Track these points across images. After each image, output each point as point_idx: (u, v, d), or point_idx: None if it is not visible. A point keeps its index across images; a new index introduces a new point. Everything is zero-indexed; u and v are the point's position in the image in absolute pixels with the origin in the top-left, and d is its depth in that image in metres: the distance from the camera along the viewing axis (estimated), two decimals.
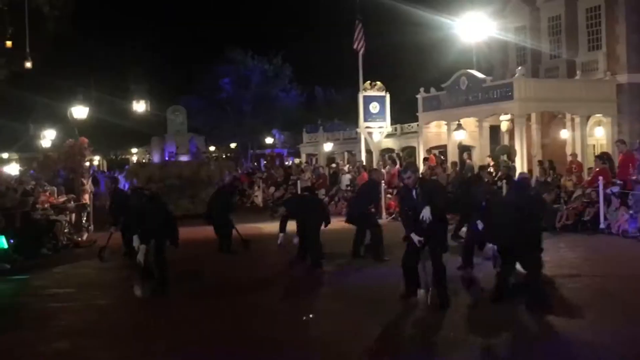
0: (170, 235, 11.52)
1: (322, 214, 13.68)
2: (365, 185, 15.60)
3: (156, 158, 29.08)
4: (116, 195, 15.89)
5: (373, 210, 14.11)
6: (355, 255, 13.63)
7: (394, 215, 22.49)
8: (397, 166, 28.81)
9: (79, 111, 30.02)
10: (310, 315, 8.79)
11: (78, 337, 8.54)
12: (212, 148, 57.32)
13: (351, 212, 14.28)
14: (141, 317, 9.50)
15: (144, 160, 50.51)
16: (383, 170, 27.57)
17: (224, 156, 56.28)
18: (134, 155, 68.58)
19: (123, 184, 28.66)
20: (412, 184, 9.29)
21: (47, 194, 20.02)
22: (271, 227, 20.36)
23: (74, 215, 18.76)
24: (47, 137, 40.17)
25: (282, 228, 15.96)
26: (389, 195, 23.78)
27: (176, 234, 11.68)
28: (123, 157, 68.31)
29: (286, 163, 45.50)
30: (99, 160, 61.54)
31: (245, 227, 19.83)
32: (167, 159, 28.13)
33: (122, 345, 8.24)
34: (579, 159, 24.19)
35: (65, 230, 17.65)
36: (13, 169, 35.33)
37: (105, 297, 10.72)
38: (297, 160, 45.45)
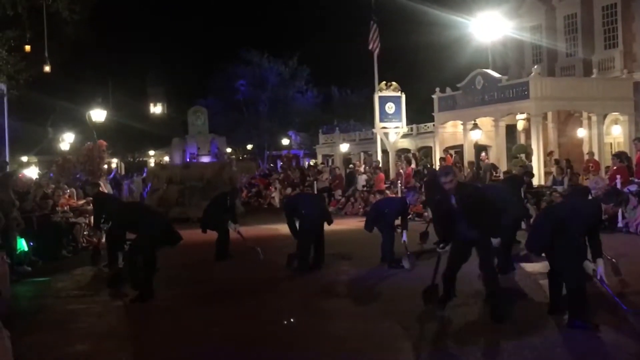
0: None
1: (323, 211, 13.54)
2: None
3: (177, 159, 28.78)
4: (98, 200, 14.98)
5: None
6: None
7: (409, 216, 22.47)
8: (413, 166, 28.93)
9: (97, 114, 30.23)
10: (291, 320, 8.77)
11: (99, 339, 8.62)
12: (228, 150, 57.51)
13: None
14: (162, 320, 9.59)
15: (161, 162, 50.69)
16: (400, 171, 27.71)
17: (240, 158, 56.41)
18: (152, 157, 68.93)
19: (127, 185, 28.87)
20: (453, 189, 8.57)
21: (67, 196, 20.24)
22: (287, 228, 20.45)
23: (92, 218, 18.90)
24: (66, 140, 40.50)
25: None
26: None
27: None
28: (141, 159, 68.66)
29: (305, 164, 45.60)
30: (117, 163, 61.89)
31: (262, 229, 20.02)
32: (187, 160, 27.88)
33: (143, 347, 8.32)
34: (596, 157, 24.13)
35: (85, 233, 17.82)
36: (32, 172, 35.73)
37: (125, 299, 10.81)
38: (312, 161, 45.52)
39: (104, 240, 15.22)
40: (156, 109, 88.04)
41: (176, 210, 24.11)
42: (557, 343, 7.55)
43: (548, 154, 25.57)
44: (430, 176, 17.63)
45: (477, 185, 15.47)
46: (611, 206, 8.38)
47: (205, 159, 27.78)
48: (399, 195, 23.73)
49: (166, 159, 53.03)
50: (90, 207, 18.60)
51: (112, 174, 33.19)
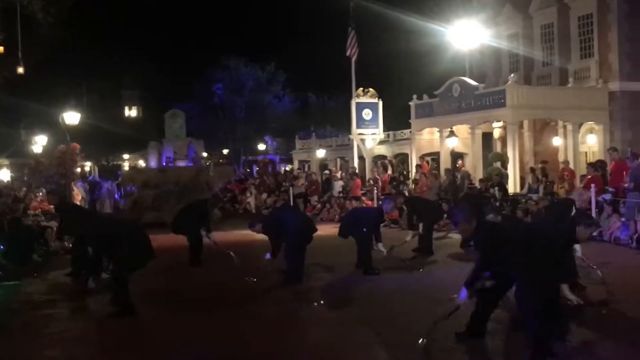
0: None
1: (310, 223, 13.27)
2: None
3: (153, 163, 28.30)
4: (64, 209, 14.34)
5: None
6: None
7: (386, 223, 22.42)
8: (389, 172, 28.91)
9: (71, 117, 29.80)
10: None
11: (70, 345, 8.47)
12: (204, 154, 57.22)
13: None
14: (133, 325, 9.41)
15: (136, 166, 50.27)
16: (377, 176, 27.69)
17: (217, 162, 56.25)
18: (126, 161, 68.45)
19: (106, 188, 28.45)
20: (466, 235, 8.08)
21: (39, 199, 19.96)
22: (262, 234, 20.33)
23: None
24: (39, 143, 39.98)
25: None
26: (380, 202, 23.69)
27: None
28: (115, 163, 68.12)
29: (281, 170, 45.45)
30: (90, 166, 61.26)
31: (237, 235, 19.83)
32: (164, 164, 27.44)
33: (114, 353, 8.17)
34: (571, 166, 24.24)
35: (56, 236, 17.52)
36: (4, 175, 35.23)
37: (96, 304, 10.62)
38: (288, 167, 45.42)
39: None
40: (131, 112, 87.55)
41: (151, 215, 23.78)
42: None
43: (542, 163, 25.40)
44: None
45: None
46: (584, 230, 8.24)
47: (182, 163, 27.32)
48: (375, 202, 23.73)
49: (141, 162, 52.64)
50: None
51: (92, 177, 32.87)
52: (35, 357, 7.97)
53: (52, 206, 18.88)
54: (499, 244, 7.34)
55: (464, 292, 7.50)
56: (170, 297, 11.22)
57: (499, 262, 7.37)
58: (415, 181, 26.18)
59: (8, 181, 30.24)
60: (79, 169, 28.01)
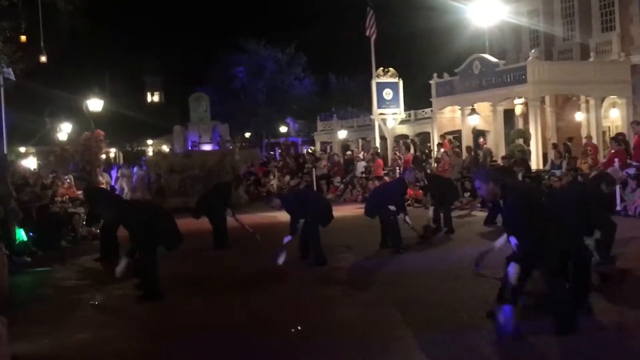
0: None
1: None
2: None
3: (178, 148, 27.89)
4: (91, 194, 14.51)
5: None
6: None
7: (409, 202, 22.51)
8: (412, 151, 28.91)
9: (95, 104, 30.09)
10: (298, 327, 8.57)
11: (99, 329, 8.63)
12: (229, 137, 57.35)
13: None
14: (159, 309, 9.60)
15: (160, 151, 50.57)
16: (399, 156, 27.70)
17: (240, 145, 56.40)
18: (150, 146, 68.91)
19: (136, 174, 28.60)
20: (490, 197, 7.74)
21: (66, 186, 20.25)
22: (286, 215, 20.43)
23: None
24: (64, 131, 40.39)
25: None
26: None
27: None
28: (139, 149, 68.61)
29: (303, 151, 45.57)
30: (115, 153, 61.78)
31: (261, 217, 20.00)
32: (189, 148, 27.11)
33: (144, 336, 8.35)
34: (594, 141, 24.10)
35: (84, 222, 17.81)
36: (31, 163, 35.71)
37: (124, 288, 10.82)
38: (310, 148, 45.54)
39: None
40: (154, 97, 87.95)
41: (178, 200, 23.91)
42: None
43: (569, 139, 25.28)
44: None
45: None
46: (606, 188, 8.29)
47: (207, 147, 26.98)
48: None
49: (164, 147, 52.97)
50: None
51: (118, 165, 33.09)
52: (66, 342, 8.13)
53: (79, 192, 19.24)
54: (530, 203, 7.37)
55: (512, 267, 7.09)
56: (195, 281, 11.38)
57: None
58: (437, 160, 26.17)
59: (35, 169, 30.61)
60: (103, 156, 28.20)
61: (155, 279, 10.07)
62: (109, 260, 13.24)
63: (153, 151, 62.69)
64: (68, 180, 21.89)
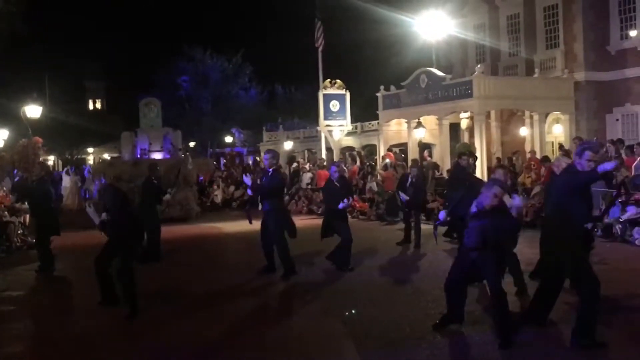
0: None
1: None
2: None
3: (126, 155, 26.28)
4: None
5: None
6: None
7: (354, 214, 22.37)
8: (357, 164, 28.81)
9: (33, 110, 29.20)
10: None
11: (31, 342, 8.30)
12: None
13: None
14: (96, 322, 9.17)
15: (101, 159, 49.51)
16: (345, 168, 27.54)
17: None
18: (91, 154, 67.52)
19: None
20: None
21: (1, 194, 19.46)
22: (230, 226, 20.15)
23: (27, 217, 18.21)
24: (0, 137, 39.19)
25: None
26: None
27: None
28: (79, 156, 67.11)
29: (249, 162, 45.14)
30: (53, 160, 60.20)
31: (204, 227, 19.61)
32: (138, 156, 25.50)
33: (78, 350, 7.94)
34: (538, 156, 24.35)
35: (19, 232, 17.16)
36: None
37: (58, 301, 10.35)
38: (257, 158, 45.13)
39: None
40: (96, 104, 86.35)
41: None
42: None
43: (513, 153, 25.62)
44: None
45: None
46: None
47: (158, 155, 25.45)
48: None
49: (105, 155, 51.88)
50: (25, 205, 17.91)
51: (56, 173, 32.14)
52: None
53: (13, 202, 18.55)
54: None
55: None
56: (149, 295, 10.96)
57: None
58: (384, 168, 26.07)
59: None
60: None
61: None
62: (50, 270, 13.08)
63: (94, 159, 61.44)
64: (4, 189, 21.10)
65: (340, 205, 12.38)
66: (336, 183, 12.79)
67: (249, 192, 12.34)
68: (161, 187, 14.91)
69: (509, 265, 8.87)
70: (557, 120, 28.20)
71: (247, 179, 11.96)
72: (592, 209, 8.07)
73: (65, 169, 31.33)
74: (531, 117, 27.69)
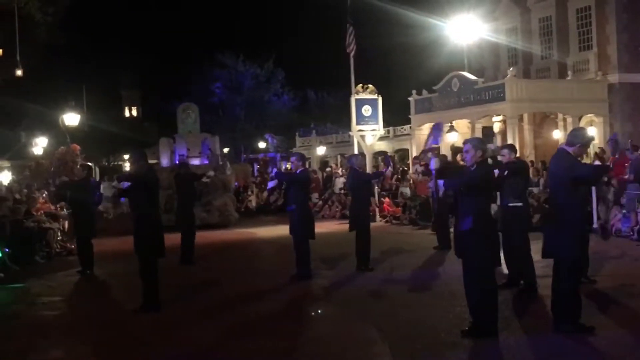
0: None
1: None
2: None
3: (165, 161, 25.74)
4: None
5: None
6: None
7: (387, 219, 22.51)
8: (390, 168, 28.85)
9: (71, 118, 29.79)
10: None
11: (72, 346, 8.45)
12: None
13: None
14: (135, 326, 9.40)
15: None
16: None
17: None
18: (127, 161, 68.35)
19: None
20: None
21: (42, 201, 19.91)
22: (264, 231, 20.36)
23: (66, 223, 18.62)
24: (39, 145, 39.97)
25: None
26: (381, 199, 23.84)
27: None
28: (116, 163, 68.03)
29: (282, 167, 45.37)
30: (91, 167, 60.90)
31: (239, 232, 19.84)
32: (177, 162, 24.36)
33: (120, 356, 8.15)
34: None
35: (58, 238, 17.53)
36: (5, 177, 35.25)
37: (99, 306, 10.61)
38: (289, 164, 45.40)
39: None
40: (131, 112, 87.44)
41: (164, 218, 22.96)
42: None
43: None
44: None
45: None
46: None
47: (196, 161, 24.71)
48: (375, 198, 23.71)
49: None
50: (64, 212, 18.37)
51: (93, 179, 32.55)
52: (38, 358, 7.94)
53: (54, 208, 18.99)
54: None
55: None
56: (172, 298, 11.19)
57: None
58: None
59: (8, 183, 30.23)
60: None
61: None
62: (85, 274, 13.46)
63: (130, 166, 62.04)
64: (45, 195, 21.56)
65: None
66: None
67: (270, 184, 12.74)
68: (195, 173, 15.07)
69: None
70: (591, 123, 28.00)
71: (272, 183, 12.35)
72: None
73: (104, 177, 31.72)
74: (564, 120, 27.56)
